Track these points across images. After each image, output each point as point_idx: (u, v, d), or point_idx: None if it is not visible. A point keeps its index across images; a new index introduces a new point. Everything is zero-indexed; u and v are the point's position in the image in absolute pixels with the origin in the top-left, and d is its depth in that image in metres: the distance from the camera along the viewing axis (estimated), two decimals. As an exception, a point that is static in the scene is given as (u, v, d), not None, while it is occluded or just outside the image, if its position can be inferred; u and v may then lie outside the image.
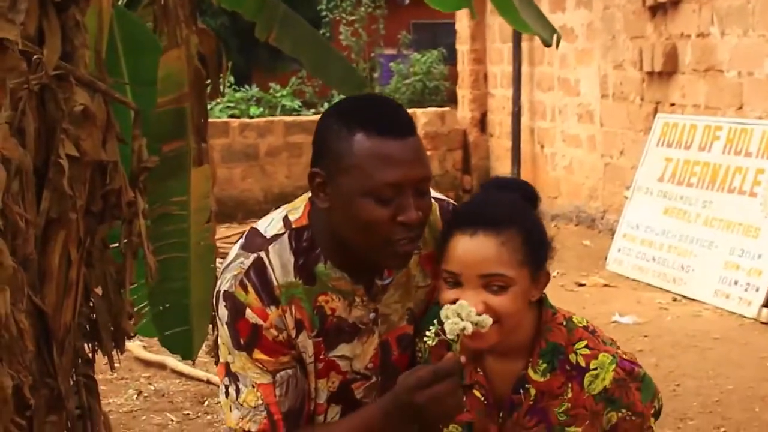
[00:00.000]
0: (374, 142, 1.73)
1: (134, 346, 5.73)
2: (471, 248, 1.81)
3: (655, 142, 8.11)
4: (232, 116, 13.74)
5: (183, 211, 3.03)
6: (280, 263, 1.87)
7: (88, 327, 2.80)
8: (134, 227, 2.88)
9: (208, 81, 3.41)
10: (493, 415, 1.95)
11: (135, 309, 2.97)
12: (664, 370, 5.37)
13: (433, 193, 1.92)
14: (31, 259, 2.62)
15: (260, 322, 1.84)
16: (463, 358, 1.75)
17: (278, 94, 16.12)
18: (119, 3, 3.67)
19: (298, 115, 14.75)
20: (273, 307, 1.85)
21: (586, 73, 9.70)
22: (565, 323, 1.95)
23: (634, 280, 7.70)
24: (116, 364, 2.79)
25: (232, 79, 15.37)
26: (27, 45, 2.56)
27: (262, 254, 1.87)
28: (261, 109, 15.13)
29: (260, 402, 1.86)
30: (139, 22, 3.30)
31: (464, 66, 12.16)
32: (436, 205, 1.94)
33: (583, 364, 1.92)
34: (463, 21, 12.01)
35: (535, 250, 1.87)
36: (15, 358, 2.47)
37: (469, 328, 1.71)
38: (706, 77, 7.78)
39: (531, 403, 1.93)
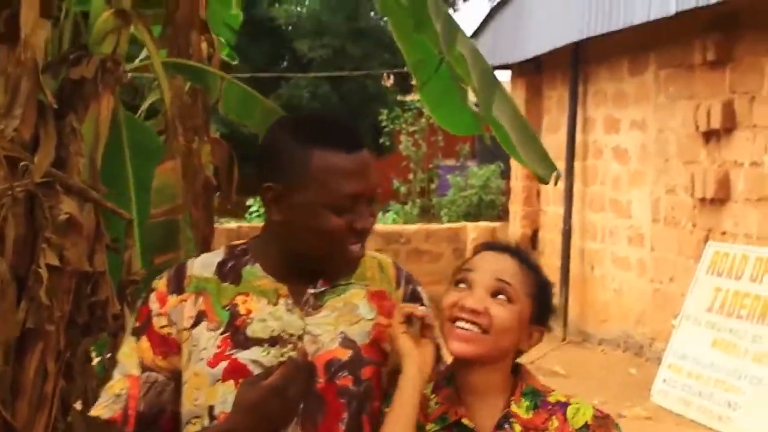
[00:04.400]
0: (330, 157, 1.80)
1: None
2: (494, 257, 1.94)
3: (705, 271, 7.83)
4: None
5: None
6: (202, 260, 1.93)
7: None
8: (119, 341, 2.77)
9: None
10: None
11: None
12: None
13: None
14: (2, 372, 2.52)
15: (156, 307, 1.87)
16: (310, 357, 1.79)
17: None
18: (138, 113, 3.65)
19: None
20: (174, 295, 1.88)
21: (638, 196, 9.51)
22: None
23: (678, 414, 7.34)
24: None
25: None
26: (15, 150, 2.51)
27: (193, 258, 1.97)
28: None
29: (123, 392, 1.85)
30: (149, 130, 3.26)
31: (517, 181, 12.06)
32: (389, 260, 2.03)
33: (563, 400, 1.97)
34: (518, 137, 11.95)
35: (543, 300, 1.97)
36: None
37: (277, 330, 1.79)
38: (759, 206, 7.54)
39: None
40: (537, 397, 1.96)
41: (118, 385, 1.86)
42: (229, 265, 1.90)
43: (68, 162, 2.63)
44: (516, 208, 12.09)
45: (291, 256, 1.87)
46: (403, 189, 17.37)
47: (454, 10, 22.16)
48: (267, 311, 1.85)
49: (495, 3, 12.14)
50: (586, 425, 1.93)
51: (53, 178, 2.55)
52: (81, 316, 2.76)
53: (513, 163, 12.15)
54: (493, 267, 1.93)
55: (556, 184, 3.18)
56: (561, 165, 10.67)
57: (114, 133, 3.10)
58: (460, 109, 3.67)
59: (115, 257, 2.85)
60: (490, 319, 1.88)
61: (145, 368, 1.86)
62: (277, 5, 18.45)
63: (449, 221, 15.26)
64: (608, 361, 9.37)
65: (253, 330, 1.83)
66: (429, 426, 1.90)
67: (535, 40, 10.89)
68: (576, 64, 10.48)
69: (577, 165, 10.52)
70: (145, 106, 3.52)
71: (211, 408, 1.82)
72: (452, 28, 2.95)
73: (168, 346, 1.86)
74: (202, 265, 1.91)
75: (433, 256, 11.79)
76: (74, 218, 2.57)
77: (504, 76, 13.36)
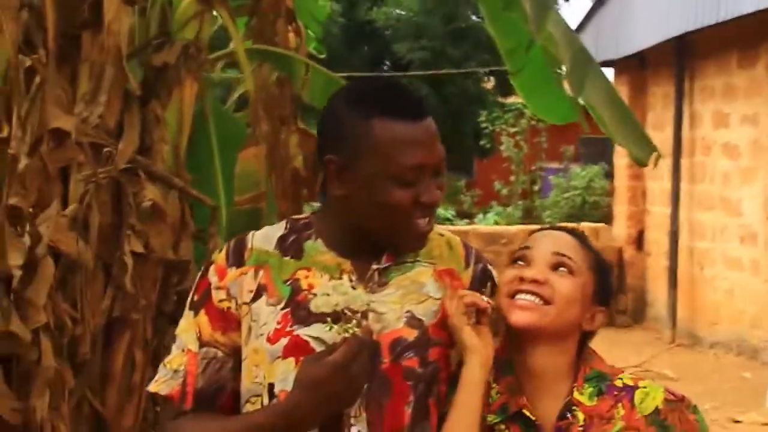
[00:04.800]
0: (393, 126, 1.71)
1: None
2: (550, 234, 1.86)
3: (823, 269, 7.46)
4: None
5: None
6: (263, 233, 1.85)
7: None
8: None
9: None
10: None
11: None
12: None
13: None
14: (88, 361, 2.50)
15: (215, 280, 1.80)
16: (375, 336, 1.70)
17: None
18: (228, 102, 3.63)
19: (451, 224, 14.60)
20: (234, 268, 1.80)
21: (750, 193, 9.13)
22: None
23: (795, 420, 6.99)
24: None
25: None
26: (99, 137, 2.49)
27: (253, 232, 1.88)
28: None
29: (182, 368, 1.78)
30: (237, 120, 3.23)
31: (622, 181, 11.75)
32: (458, 238, 1.92)
33: (630, 384, 1.82)
34: (622, 135, 11.65)
35: (604, 277, 1.86)
36: (51, 468, 2.33)
37: (341, 304, 1.68)
38: None
39: (580, 428, 1.78)
40: (602, 382, 1.82)
41: (176, 360, 1.78)
42: (291, 239, 1.82)
43: (152, 149, 2.61)
44: (621, 208, 11.77)
45: (354, 231, 1.78)
46: (504, 191, 17.16)
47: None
48: (330, 286, 1.75)
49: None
50: (656, 410, 1.78)
51: (137, 165, 2.52)
52: (168, 305, 2.74)
53: (617, 162, 11.84)
54: (551, 242, 1.83)
55: (655, 165, 3.01)
56: (667, 163, 10.35)
57: (201, 123, 3.08)
58: (556, 97, 3.54)
59: (203, 247, 2.82)
60: (553, 290, 1.78)
61: (203, 344, 1.78)
62: (375, 9, 18.46)
63: (552, 223, 14.99)
64: (720, 364, 9.02)
65: (316, 305, 1.73)
66: (490, 417, 1.80)
67: (639, 34, 10.60)
68: (681, 58, 10.16)
69: (684, 162, 10.19)
70: (234, 97, 3.49)
71: (271, 386, 1.74)
72: (543, 6, 2.83)
73: (227, 321, 1.78)
74: (264, 239, 1.83)
75: (535, 257, 11.57)
76: (158, 205, 2.54)
77: (607, 74, 13.06)
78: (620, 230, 11.64)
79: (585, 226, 11.73)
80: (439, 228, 1.89)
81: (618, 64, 11.73)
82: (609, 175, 15.85)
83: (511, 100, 19.03)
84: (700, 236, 10.07)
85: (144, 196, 2.51)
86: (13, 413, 2.31)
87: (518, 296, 1.77)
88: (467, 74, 18.01)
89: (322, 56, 4.53)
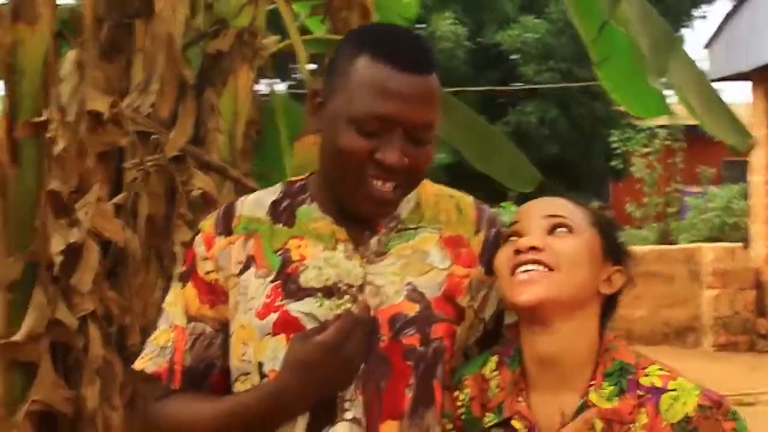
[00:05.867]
0: (375, 68, 1.55)
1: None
2: (540, 201, 1.64)
3: None
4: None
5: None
6: (254, 199, 1.71)
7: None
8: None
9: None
10: None
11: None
12: None
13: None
14: (138, 352, 2.46)
15: (202, 250, 1.66)
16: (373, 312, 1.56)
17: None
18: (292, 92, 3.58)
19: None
20: (222, 237, 1.66)
21: None
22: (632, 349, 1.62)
23: None
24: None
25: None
26: (150, 126, 2.47)
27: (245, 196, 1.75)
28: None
29: (169, 344, 1.66)
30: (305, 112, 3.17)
31: (758, 199, 11.18)
32: (470, 199, 1.74)
33: (659, 384, 1.54)
34: (757, 151, 11.10)
35: (609, 231, 1.62)
36: (98, 459, 2.29)
37: (333, 278, 1.57)
38: None
39: None
40: (624, 377, 1.55)
41: (163, 336, 1.66)
42: (284, 204, 1.67)
43: (206, 139, 2.56)
44: (758, 227, 11.21)
45: (332, 186, 1.62)
46: (637, 213, 16.63)
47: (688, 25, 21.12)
48: (322, 258, 1.61)
49: (730, 9, 11.43)
50: (686, 419, 1.51)
51: (187, 154, 2.48)
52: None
53: (752, 179, 11.30)
54: (541, 207, 1.61)
55: (749, 153, 2.78)
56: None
57: (269, 114, 3.04)
58: (644, 89, 3.33)
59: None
60: (554, 253, 1.54)
61: (190, 318, 1.65)
62: (502, 32, 18.31)
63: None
64: None
65: (307, 278, 1.59)
66: (487, 418, 1.58)
67: (772, 44, 10.12)
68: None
69: (825, 176, 9.61)
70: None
71: (260, 364, 1.60)
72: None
73: (215, 294, 1.64)
74: (255, 204, 1.68)
75: (665, 278, 11.10)
76: (209, 195, 2.48)
77: (743, 88, 12.54)
78: (758, 250, 11.06)
79: (721, 245, 11.24)
80: (447, 190, 1.73)
81: (755, 77, 11.22)
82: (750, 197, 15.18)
83: (644, 121, 18.51)
84: (843, 254, 9.46)
85: (193, 185, 2.46)
86: (65, 402, 2.29)
87: (518, 270, 1.55)
88: (596, 96, 17.61)
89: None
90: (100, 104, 2.25)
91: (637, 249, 10.68)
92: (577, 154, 18.06)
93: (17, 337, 2.18)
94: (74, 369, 2.29)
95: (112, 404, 2.34)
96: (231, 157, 2.62)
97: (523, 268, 1.54)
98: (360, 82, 1.54)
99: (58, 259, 2.20)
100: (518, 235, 1.59)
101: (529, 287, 1.52)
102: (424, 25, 18.22)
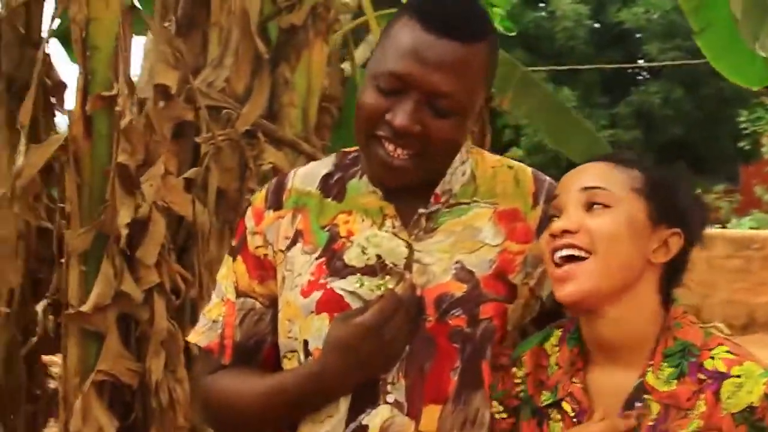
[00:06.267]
0: (408, 27, 1.48)
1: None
2: (577, 170, 1.53)
3: None
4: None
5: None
6: (305, 171, 1.65)
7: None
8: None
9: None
10: None
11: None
12: None
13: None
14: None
15: (251, 224, 1.62)
16: (419, 291, 1.50)
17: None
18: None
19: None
20: (271, 211, 1.62)
21: None
22: (700, 326, 1.48)
23: None
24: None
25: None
26: (223, 101, 2.47)
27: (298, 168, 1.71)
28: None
29: (221, 318, 1.62)
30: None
31: None
32: (530, 171, 1.65)
33: (722, 369, 1.41)
34: None
35: (661, 193, 1.49)
36: (163, 430, 2.31)
37: (374, 258, 1.51)
38: None
39: (651, 424, 1.42)
40: (686, 359, 1.43)
41: (215, 310, 1.63)
42: (336, 177, 1.61)
43: (280, 113, 2.54)
44: None
45: None
46: (767, 197, 15.97)
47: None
48: (365, 236, 1.54)
49: None
50: (749, 408, 1.38)
51: (258, 128, 2.46)
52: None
53: None
54: (578, 178, 1.50)
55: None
56: None
57: (351, 91, 3.00)
58: (749, 58, 3.16)
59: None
60: (589, 235, 1.44)
61: (240, 293, 1.61)
62: (625, 10, 17.81)
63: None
64: None
65: (350, 257, 1.54)
66: (544, 396, 1.50)
67: None
68: None
69: None
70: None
71: (305, 342, 1.55)
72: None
73: (264, 269, 1.60)
74: (306, 177, 1.62)
75: (793, 264, 10.63)
76: (279, 170, 2.47)
77: None
78: None
79: None
80: (506, 160, 1.64)
81: None
82: None
83: (776, 100, 17.72)
84: None
85: (264, 160, 2.45)
86: (129, 373, 2.32)
87: (556, 256, 1.45)
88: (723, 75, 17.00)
89: (513, 33, 4.33)
90: (169, 78, 2.25)
91: (759, 233, 10.26)
92: (702, 135, 17.44)
93: (85, 307, 2.22)
94: (140, 341, 2.31)
95: (176, 377, 2.36)
96: (304, 132, 2.59)
97: (559, 253, 1.45)
98: (391, 39, 1.49)
99: (125, 232, 2.22)
100: (557, 211, 1.50)
101: (566, 284, 1.44)
102: (544, 5, 17.90)
